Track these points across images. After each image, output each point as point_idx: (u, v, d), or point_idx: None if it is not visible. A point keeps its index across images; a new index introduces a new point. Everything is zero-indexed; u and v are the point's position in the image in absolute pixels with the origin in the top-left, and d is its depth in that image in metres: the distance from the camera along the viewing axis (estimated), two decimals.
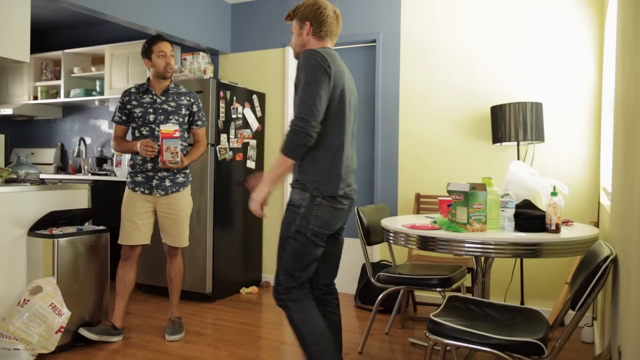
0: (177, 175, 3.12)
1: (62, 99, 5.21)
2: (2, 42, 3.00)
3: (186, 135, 3.17)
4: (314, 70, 2.01)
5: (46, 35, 5.86)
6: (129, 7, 3.72)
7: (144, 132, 3.07)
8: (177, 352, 2.91)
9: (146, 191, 3.07)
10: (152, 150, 2.97)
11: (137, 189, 3.07)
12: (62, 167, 5.64)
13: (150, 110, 3.07)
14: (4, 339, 2.57)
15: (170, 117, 3.08)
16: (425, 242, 2.27)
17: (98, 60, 5.38)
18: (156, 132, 3.04)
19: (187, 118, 3.16)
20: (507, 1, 3.65)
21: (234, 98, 4.13)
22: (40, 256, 2.86)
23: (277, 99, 4.51)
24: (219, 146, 3.94)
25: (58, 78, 5.36)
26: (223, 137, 4.00)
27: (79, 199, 3.23)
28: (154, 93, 3.09)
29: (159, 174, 3.07)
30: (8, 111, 5.34)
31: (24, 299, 2.71)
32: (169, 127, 2.93)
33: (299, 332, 2.09)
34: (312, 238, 2.08)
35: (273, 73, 4.52)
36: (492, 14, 3.69)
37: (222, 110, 3.98)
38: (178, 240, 3.16)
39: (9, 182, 2.98)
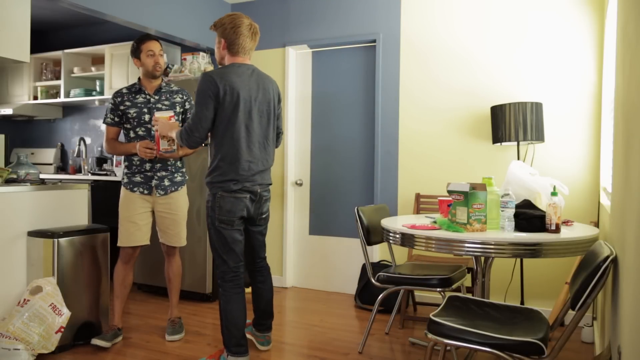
0: (175, 175, 3.13)
1: (62, 99, 5.21)
2: (2, 42, 3.00)
3: None
4: (200, 94, 2.49)
5: (46, 35, 5.85)
6: (128, 7, 3.72)
7: (140, 133, 3.05)
8: (177, 352, 2.91)
9: (145, 191, 3.06)
10: (152, 152, 2.95)
11: (135, 189, 3.05)
12: (62, 167, 5.64)
13: (145, 110, 3.05)
14: (4, 339, 2.57)
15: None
16: (425, 242, 2.27)
17: (98, 60, 5.38)
18: (152, 132, 3.02)
19: (181, 116, 3.16)
20: (506, 1, 3.65)
21: None
22: (40, 256, 2.86)
23: None
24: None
25: (58, 78, 5.36)
26: None
27: (79, 199, 3.23)
28: (146, 92, 3.08)
29: (158, 174, 3.07)
30: (8, 111, 5.34)
31: (24, 299, 2.71)
32: (164, 114, 2.91)
33: (221, 314, 2.60)
34: (219, 225, 2.56)
35: (273, 73, 4.52)
36: (492, 14, 3.69)
37: None
38: (177, 240, 3.16)
39: (9, 182, 2.98)
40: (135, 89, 3.09)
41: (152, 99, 3.07)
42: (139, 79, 3.12)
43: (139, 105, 3.05)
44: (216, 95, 2.47)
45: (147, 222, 3.10)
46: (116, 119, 3.08)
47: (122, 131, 3.14)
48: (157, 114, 2.92)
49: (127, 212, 3.04)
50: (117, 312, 3.09)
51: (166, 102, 3.09)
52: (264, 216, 2.75)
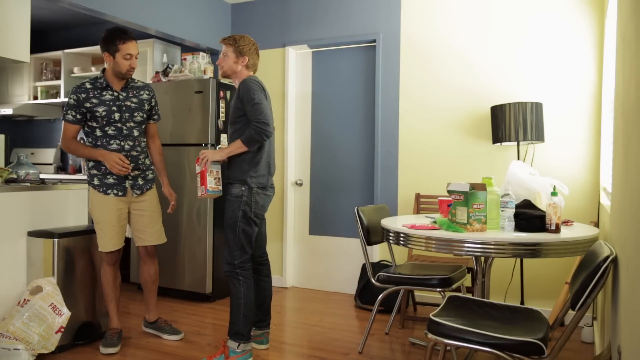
0: (147, 172, 3.05)
1: (62, 99, 5.21)
2: (2, 42, 3.00)
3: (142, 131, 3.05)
4: (256, 92, 2.69)
5: (46, 35, 5.86)
6: (129, 7, 3.72)
7: (110, 132, 2.88)
8: (177, 352, 2.91)
9: (120, 193, 2.91)
10: (126, 170, 2.84)
11: (109, 191, 2.89)
12: (62, 167, 5.64)
13: (114, 108, 2.88)
14: (4, 339, 2.57)
15: (135, 114, 2.95)
16: (425, 242, 2.27)
17: (98, 60, 5.38)
18: (124, 131, 2.91)
19: (147, 113, 3.05)
20: (507, 1, 3.65)
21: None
22: (40, 256, 2.86)
23: (277, 98, 4.51)
24: (219, 146, 3.94)
25: (58, 78, 5.36)
26: (223, 137, 4.00)
27: (79, 199, 3.23)
28: (113, 89, 2.90)
29: (131, 174, 2.95)
30: (8, 111, 5.34)
31: (24, 299, 2.71)
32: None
33: (238, 302, 2.72)
34: (254, 219, 2.75)
35: (273, 73, 4.52)
36: (492, 14, 3.69)
37: (222, 110, 3.98)
38: (159, 236, 3.08)
39: (9, 182, 2.98)
40: (100, 85, 2.88)
41: (120, 96, 2.91)
42: (103, 70, 2.92)
43: (107, 103, 2.86)
44: (265, 95, 2.74)
45: (124, 223, 2.99)
46: (78, 117, 2.86)
47: (82, 128, 2.94)
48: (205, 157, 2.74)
49: (106, 215, 2.89)
50: (114, 314, 3.02)
51: (134, 100, 2.96)
52: (265, 212, 2.95)
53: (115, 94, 2.90)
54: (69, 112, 2.85)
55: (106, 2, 3.56)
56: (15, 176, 3.04)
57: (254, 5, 4.63)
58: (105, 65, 2.92)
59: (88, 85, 2.87)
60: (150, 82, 4.28)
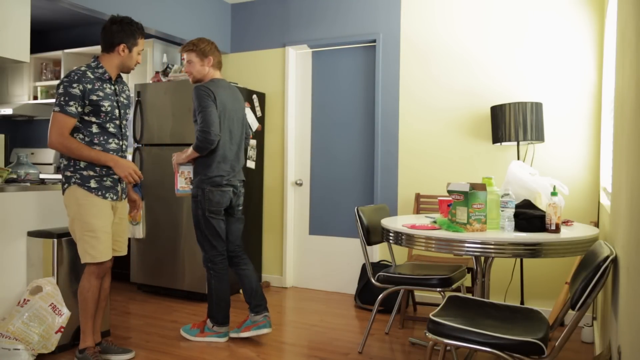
0: None
1: None
2: (2, 42, 3.00)
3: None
4: (203, 100, 2.88)
5: (46, 35, 5.86)
6: (129, 7, 3.72)
7: (111, 130, 2.63)
8: (177, 352, 2.91)
9: (115, 197, 2.66)
10: (140, 179, 2.67)
11: (107, 195, 2.61)
12: None
13: (115, 103, 2.64)
14: (4, 339, 2.57)
15: (128, 110, 2.77)
16: (425, 242, 2.27)
17: None
18: (122, 129, 2.70)
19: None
20: (506, 1, 3.65)
21: None
22: (40, 256, 2.86)
23: (277, 98, 4.51)
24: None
25: (58, 78, 5.36)
26: None
27: None
28: (112, 82, 2.66)
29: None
30: (8, 111, 5.34)
31: (24, 299, 2.71)
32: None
33: (210, 292, 3.05)
34: (209, 215, 2.98)
35: (273, 73, 4.52)
36: (492, 14, 3.69)
37: None
38: (125, 246, 2.81)
39: (9, 182, 2.98)
40: (101, 76, 2.60)
41: (117, 90, 2.68)
42: (97, 58, 2.63)
43: (110, 97, 2.61)
44: (214, 102, 2.90)
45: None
46: (79, 110, 2.51)
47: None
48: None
49: (101, 221, 2.57)
50: (91, 331, 2.65)
51: (124, 95, 2.74)
52: (240, 207, 3.17)
53: (114, 87, 2.66)
54: (70, 103, 2.47)
55: (106, 2, 3.56)
56: (15, 176, 3.04)
57: (254, 5, 4.63)
58: (109, 56, 2.64)
59: (90, 75, 2.55)
60: (150, 82, 4.29)
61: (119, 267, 4.35)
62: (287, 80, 4.46)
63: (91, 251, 2.55)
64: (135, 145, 4.17)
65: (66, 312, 2.74)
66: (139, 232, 4.01)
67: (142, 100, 4.13)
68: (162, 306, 3.81)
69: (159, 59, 4.68)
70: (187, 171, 3.04)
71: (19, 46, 3.10)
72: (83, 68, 2.56)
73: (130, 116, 4.05)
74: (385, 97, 4.05)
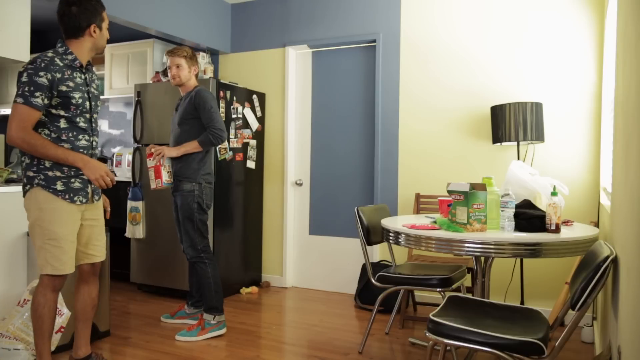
0: None
1: None
2: (2, 42, 3.00)
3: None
4: (213, 101, 3.17)
5: (46, 35, 5.86)
6: (129, 7, 3.72)
7: (81, 124, 2.33)
8: (177, 353, 2.91)
9: (84, 200, 2.34)
10: (111, 183, 2.36)
11: (76, 198, 2.30)
12: None
13: (86, 95, 2.35)
14: (4, 339, 2.57)
15: (98, 102, 2.46)
16: (425, 242, 2.27)
17: (98, 60, 5.37)
18: (92, 124, 2.39)
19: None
20: (506, 1, 3.65)
21: (234, 98, 4.14)
22: None
23: (277, 98, 4.51)
24: (219, 146, 3.94)
25: None
26: None
27: None
28: (83, 71, 2.35)
29: None
30: (8, 111, 5.34)
31: (24, 299, 2.71)
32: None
33: (208, 281, 3.14)
34: (207, 209, 3.22)
35: (273, 73, 4.53)
36: (492, 14, 3.69)
37: (222, 110, 3.98)
38: (104, 250, 2.53)
39: (9, 182, 2.98)
40: (71, 63, 2.30)
41: (87, 79, 2.37)
42: (63, 42, 2.32)
43: (81, 87, 2.31)
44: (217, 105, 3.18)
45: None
46: (46, 102, 2.20)
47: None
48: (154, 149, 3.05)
49: (66, 228, 2.27)
50: (49, 354, 2.33)
51: (94, 85, 2.45)
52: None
53: (84, 76, 2.35)
54: (36, 94, 2.15)
55: (106, 2, 3.54)
56: (15, 176, 3.05)
57: (254, 5, 4.63)
58: (78, 42, 2.33)
59: (59, 62, 2.24)
60: (150, 82, 4.29)
61: (119, 267, 4.36)
62: (287, 80, 4.46)
63: (53, 262, 2.24)
64: (135, 145, 4.17)
65: (66, 312, 2.74)
66: (139, 232, 4.01)
67: (142, 100, 4.13)
68: (162, 306, 3.81)
69: (159, 59, 4.68)
70: (169, 165, 3.16)
71: (19, 46, 3.10)
72: (50, 54, 2.24)
73: (130, 114, 4.03)
74: (385, 97, 4.05)
